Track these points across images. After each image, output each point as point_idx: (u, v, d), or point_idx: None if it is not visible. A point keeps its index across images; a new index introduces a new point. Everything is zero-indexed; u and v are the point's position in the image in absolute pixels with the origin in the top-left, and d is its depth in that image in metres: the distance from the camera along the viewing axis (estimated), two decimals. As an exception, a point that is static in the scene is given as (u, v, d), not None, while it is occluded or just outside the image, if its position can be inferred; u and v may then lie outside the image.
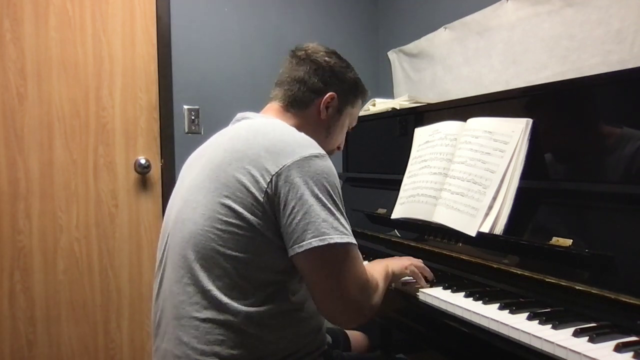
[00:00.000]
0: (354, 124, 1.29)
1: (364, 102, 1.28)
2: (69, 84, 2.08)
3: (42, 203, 2.05)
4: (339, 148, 1.27)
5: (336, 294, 0.97)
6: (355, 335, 1.45)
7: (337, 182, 0.99)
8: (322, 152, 0.99)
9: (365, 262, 1.29)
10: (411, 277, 1.24)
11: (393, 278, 1.19)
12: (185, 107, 2.29)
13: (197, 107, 2.30)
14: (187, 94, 2.28)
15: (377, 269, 1.12)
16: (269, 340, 0.97)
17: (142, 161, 2.19)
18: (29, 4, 2.00)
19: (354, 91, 1.22)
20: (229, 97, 2.35)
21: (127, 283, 2.20)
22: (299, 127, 1.11)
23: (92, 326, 2.14)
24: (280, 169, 0.94)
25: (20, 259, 2.02)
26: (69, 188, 2.09)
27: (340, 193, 0.99)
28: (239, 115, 1.16)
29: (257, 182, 0.94)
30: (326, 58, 1.17)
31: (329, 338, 1.16)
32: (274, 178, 0.94)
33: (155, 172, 2.23)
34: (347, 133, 1.21)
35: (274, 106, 1.17)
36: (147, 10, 2.20)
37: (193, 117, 2.29)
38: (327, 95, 1.15)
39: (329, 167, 0.98)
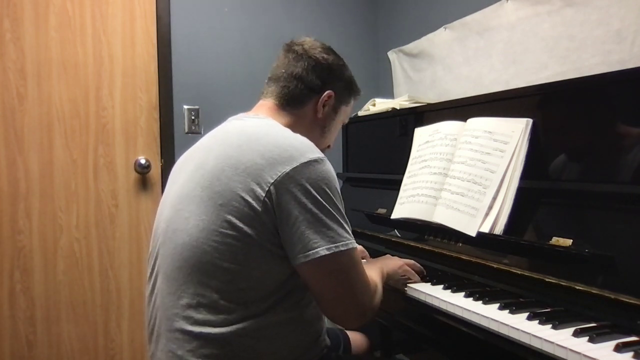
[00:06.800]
0: (346, 122, 1.28)
1: (356, 101, 1.27)
2: (69, 84, 2.08)
3: (42, 203, 2.05)
4: (329, 147, 1.25)
5: (345, 299, 0.97)
6: (355, 336, 1.45)
7: (337, 186, 0.97)
8: (320, 155, 0.96)
9: None
10: (404, 276, 1.26)
11: (387, 278, 1.19)
12: (185, 107, 2.29)
13: (197, 107, 2.30)
14: (187, 94, 2.28)
15: (374, 271, 1.12)
16: (266, 351, 0.95)
17: (142, 161, 2.19)
18: (29, 4, 2.00)
19: (349, 90, 1.20)
20: (229, 97, 2.35)
21: (127, 283, 2.21)
22: (293, 126, 1.09)
23: (92, 326, 2.14)
24: (279, 177, 0.91)
25: (20, 259, 2.02)
26: (69, 188, 2.09)
27: (341, 196, 0.98)
28: (230, 117, 1.12)
29: (253, 191, 0.91)
30: (324, 55, 1.14)
31: (327, 341, 1.16)
32: (272, 187, 0.91)
33: (155, 172, 2.23)
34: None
35: (267, 104, 1.13)
36: (147, 10, 2.20)
37: (193, 117, 2.29)
38: (324, 93, 1.13)
39: (328, 170, 0.95)
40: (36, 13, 2.02)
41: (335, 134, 1.24)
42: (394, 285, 1.26)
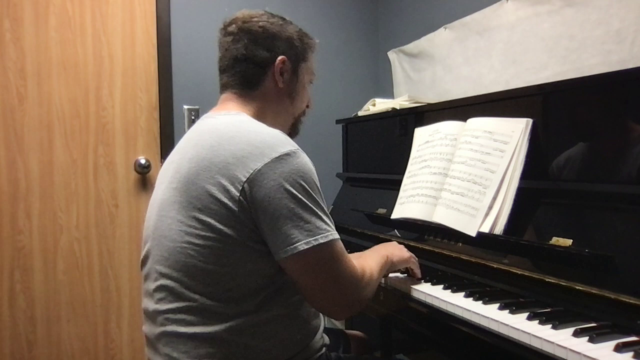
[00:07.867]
0: (313, 77, 1.20)
1: (315, 50, 1.18)
2: (69, 84, 2.08)
3: (42, 203, 2.05)
4: (308, 107, 1.20)
5: (329, 291, 0.96)
6: (355, 336, 1.45)
7: (314, 177, 0.95)
8: (294, 147, 0.94)
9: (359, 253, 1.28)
10: (405, 275, 1.25)
11: (392, 267, 1.18)
12: (185, 107, 2.29)
13: (197, 107, 2.30)
14: (187, 94, 2.28)
15: (374, 258, 1.10)
16: (261, 348, 0.95)
17: (142, 161, 2.19)
18: (29, 4, 2.01)
19: (300, 45, 1.13)
20: (229, 97, 2.34)
21: (127, 283, 2.21)
22: (262, 108, 1.08)
23: (92, 326, 2.14)
24: (251, 174, 0.90)
25: (20, 259, 2.02)
26: (69, 188, 2.09)
27: (319, 187, 0.96)
28: (203, 116, 1.10)
29: (228, 191, 0.90)
30: (259, 23, 1.08)
31: (326, 339, 1.16)
32: (245, 185, 0.90)
33: (155, 172, 2.22)
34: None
35: (229, 96, 1.10)
36: (147, 10, 2.20)
37: (193, 117, 2.29)
38: (276, 61, 1.08)
39: (302, 163, 0.93)
40: (36, 13, 2.02)
41: (306, 95, 1.18)
42: (394, 285, 1.26)
